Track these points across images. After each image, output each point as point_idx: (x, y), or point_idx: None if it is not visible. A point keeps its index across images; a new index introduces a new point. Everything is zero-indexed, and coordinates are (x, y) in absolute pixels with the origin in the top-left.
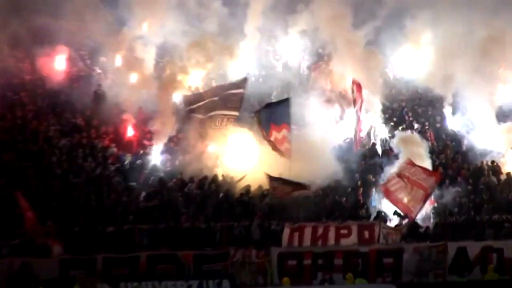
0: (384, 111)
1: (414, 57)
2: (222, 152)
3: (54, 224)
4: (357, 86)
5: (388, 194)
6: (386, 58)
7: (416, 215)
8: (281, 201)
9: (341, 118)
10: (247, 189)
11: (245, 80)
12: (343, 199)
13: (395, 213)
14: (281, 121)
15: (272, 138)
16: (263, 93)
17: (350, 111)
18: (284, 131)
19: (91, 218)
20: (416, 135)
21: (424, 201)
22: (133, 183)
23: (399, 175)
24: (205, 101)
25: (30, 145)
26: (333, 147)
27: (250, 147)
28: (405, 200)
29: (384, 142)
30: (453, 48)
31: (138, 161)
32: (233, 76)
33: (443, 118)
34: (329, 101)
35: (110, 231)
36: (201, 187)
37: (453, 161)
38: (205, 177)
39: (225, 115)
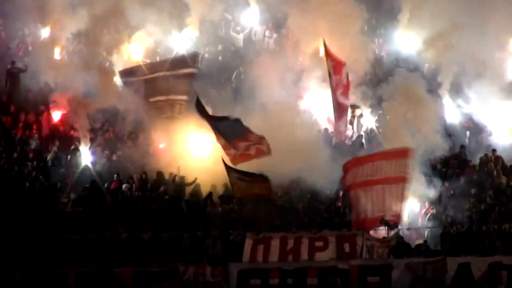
0: (368, 95)
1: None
2: (170, 147)
3: None
4: (336, 64)
5: (363, 223)
6: (371, 26)
7: (402, 215)
8: (242, 207)
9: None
10: (200, 191)
11: (195, 56)
12: (318, 204)
13: (382, 221)
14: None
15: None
16: (222, 73)
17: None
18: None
19: (5, 227)
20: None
21: (403, 194)
22: (58, 184)
23: (351, 186)
24: (147, 77)
25: None
26: (305, 138)
27: (204, 140)
28: (385, 207)
29: (370, 134)
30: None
31: (65, 157)
32: (182, 51)
33: (440, 105)
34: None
35: (30, 242)
36: (143, 189)
37: (454, 158)
38: (147, 177)
39: (173, 100)
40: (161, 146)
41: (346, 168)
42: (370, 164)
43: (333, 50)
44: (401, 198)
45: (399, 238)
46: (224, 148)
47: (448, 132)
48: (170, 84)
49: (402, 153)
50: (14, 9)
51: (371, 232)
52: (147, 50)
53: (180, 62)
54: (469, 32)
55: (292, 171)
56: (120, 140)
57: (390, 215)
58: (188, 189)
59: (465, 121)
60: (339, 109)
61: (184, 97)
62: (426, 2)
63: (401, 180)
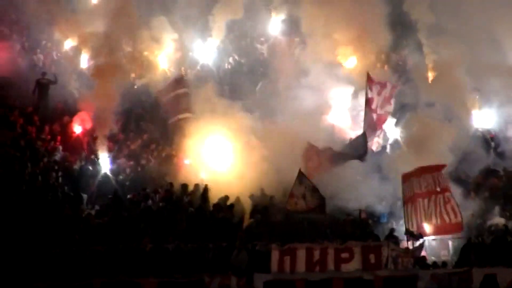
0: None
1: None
2: (195, 159)
3: None
4: (381, 86)
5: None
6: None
7: (458, 225)
8: (270, 218)
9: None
10: (225, 202)
11: (181, 78)
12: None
13: (407, 231)
14: None
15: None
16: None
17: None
18: None
19: (30, 237)
20: None
21: (450, 205)
22: (82, 194)
23: (409, 199)
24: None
25: None
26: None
27: (228, 152)
28: (439, 218)
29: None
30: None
31: (89, 168)
32: (207, 61)
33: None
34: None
35: (55, 253)
36: (168, 200)
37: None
38: (172, 188)
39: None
40: (186, 162)
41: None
42: (418, 178)
43: (358, 57)
44: (456, 206)
45: (424, 249)
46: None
47: (474, 142)
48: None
49: (438, 168)
50: (38, 21)
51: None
52: (172, 61)
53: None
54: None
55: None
56: (145, 152)
57: (454, 222)
58: (213, 201)
59: (489, 130)
60: (378, 121)
61: (189, 115)
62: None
63: (445, 191)
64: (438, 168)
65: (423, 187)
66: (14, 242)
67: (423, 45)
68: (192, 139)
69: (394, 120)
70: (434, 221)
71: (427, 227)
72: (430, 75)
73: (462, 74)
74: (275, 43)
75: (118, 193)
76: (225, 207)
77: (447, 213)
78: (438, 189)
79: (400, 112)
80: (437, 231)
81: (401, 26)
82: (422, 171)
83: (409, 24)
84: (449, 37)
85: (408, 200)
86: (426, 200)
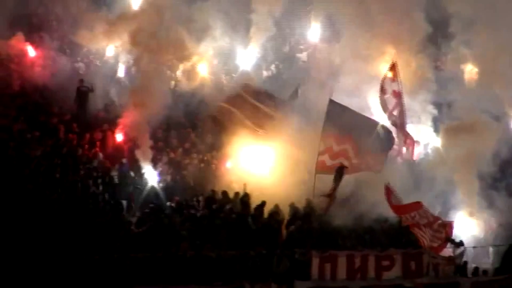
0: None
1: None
2: (236, 167)
3: (22, 254)
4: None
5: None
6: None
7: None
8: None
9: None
10: (264, 209)
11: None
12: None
13: (448, 239)
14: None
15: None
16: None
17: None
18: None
19: (70, 245)
20: None
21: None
22: (123, 202)
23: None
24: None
25: None
26: None
27: (271, 158)
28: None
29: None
30: None
31: (130, 175)
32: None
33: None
34: None
35: (95, 260)
36: (209, 207)
37: None
38: (213, 196)
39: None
40: (228, 165)
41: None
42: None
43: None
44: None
45: (465, 256)
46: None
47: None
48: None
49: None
50: (79, 28)
51: None
52: (212, 67)
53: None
54: None
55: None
56: (185, 159)
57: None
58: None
59: None
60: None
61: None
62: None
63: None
64: (418, 205)
65: (423, 219)
66: (55, 250)
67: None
68: (233, 146)
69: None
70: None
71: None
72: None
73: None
74: (314, 50)
75: (159, 201)
76: (261, 213)
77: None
78: (432, 219)
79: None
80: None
81: (437, 21)
82: (410, 208)
83: (446, 18)
84: (488, 30)
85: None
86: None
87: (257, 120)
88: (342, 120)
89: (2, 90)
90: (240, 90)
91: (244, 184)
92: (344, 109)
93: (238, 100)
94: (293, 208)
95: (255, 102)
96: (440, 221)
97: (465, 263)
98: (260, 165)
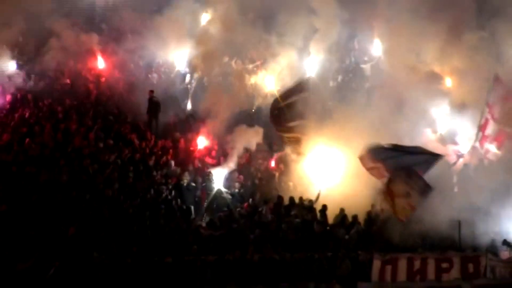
0: None
1: None
2: (300, 172)
3: (102, 256)
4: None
5: None
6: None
7: None
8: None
9: None
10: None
11: (306, 81)
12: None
13: (505, 242)
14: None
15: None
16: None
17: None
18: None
19: (145, 247)
20: None
21: None
22: (192, 207)
23: None
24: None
25: (73, 162)
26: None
27: (333, 163)
28: None
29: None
30: None
31: (200, 181)
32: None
33: None
34: None
35: (167, 263)
36: (276, 212)
37: None
38: (281, 201)
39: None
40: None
41: None
42: None
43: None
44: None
45: None
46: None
47: None
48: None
49: None
50: (152, 41)
51: None
52: (278, 78)
53: (293, 90)
54: None
55: None
56: (253, 166)
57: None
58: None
59: None
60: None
61: (302, 121)
62: None
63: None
64: None
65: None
66: (129, 253)
67: None
68: (302, 151)
69: None
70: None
71: None
72: None
73: None
74: (378, 62)
75: (230, 206)
76: (324, 217)
77: None
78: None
79: None
80: None
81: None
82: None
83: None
84: None
85: None
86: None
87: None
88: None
89: (80, 100)
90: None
91: (319, 192)
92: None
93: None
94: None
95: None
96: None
97: None
98: (331, 171)
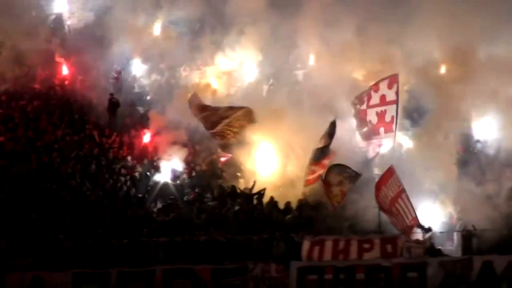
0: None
1: None
2: (243, 163)
3: (67, 237)
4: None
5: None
6: None
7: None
8: (303, 214)
9: None
10: (263, 199)
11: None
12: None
13: (419, 225)
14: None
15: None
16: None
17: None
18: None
19: (105, 231)
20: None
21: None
22: (145, 195)
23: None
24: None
25: (43, 156)
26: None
27: (273, 156)
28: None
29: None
30: None
31: (153, 173)
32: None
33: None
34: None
35: (125, 244)
36: (219, 199)
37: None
38: (223, 190)
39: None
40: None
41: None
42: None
43: None
44: (410, 205)
45: (432, 240)
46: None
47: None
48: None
49: (390, 173)
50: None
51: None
52: (222, 81)
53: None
54: None
55: None
56: (199, 158)
57: (410, 220)
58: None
59: None
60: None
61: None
62: None
63: (402, 192)
64: (391, 172)
65: (393, 191)
66: (91, 235)
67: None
68: (245, 144)
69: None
70: (407, 220)
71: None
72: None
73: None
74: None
75: (176, 195)
76: (261, 203)
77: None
78: (399, 189)
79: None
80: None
81: None
82: (386, 178)
83: None
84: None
85: (391, 204)
86: (399, 200)
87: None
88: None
89: (48, 102)
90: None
91: (254, 181)
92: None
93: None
94: (300, 201)
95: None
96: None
97: (432, 245)
98: (266, 165)
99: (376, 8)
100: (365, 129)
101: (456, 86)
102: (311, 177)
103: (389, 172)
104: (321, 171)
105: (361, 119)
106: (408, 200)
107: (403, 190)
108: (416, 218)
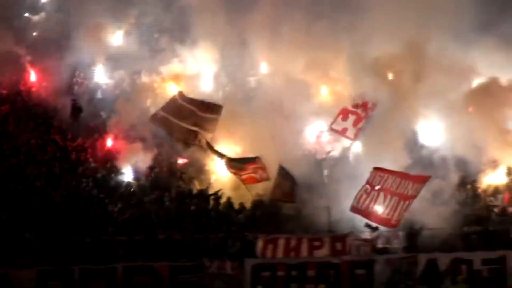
0: None
1: None
2: (200, 165)
3: (32, 236)
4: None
5: (357, 210)
6: None
7: (397, 222)
8: (256, 214)
9: None
10: (220, 199)
11: (220, 108)
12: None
13: (366, 225)
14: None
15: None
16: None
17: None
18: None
19: (69, 230)
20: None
21: (403, 207)
22: (107, 196)
23: (369, 184)
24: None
25: (9, 159)
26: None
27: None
28: (380, 210)
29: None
30: None
31: (114, 175)
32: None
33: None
34: None
35: (87, 242)
36: (178, 199)
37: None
38: (181, 191)
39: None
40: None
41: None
42: (394, 178)
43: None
44: (399, 210)
45: (380, 238)
46: (235, 174)
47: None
48: (198, 120)
49: (422, 179)
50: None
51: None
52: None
53: (207, 108)
54: None
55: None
56: (158, 160)
57: (394, 220)
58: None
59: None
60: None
61: (210, 135)
62: None
63: (412, 198)
64: (425, 179)
65: (395, 188)
66: (57, 233)
67: None
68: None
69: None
70: (382, 212)
71: (372, 214)
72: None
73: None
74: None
75: (136, 195)
76: (218, 203)
77: (395, 211)
78: (408, 194)
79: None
80: (378, 220)
81: None
82: (405, 176)
83: None
84: None
85: (371, 187)
86: (390, 197)
87: (197, 122)
88: None
89: (14, 107)
90: (176, 97)
91: (210, 182)
92: None
93: (173, 106)
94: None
95: (191, 107)
96: None
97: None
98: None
99: (325, 7)
100: (336, 123)
101: (405, 84)
102: (244, 177)
103: (424, 178)
104: (250, 171)
105: (341, 114)
106: (408, 207)
107: (414, 198)
108: (398, 222)
